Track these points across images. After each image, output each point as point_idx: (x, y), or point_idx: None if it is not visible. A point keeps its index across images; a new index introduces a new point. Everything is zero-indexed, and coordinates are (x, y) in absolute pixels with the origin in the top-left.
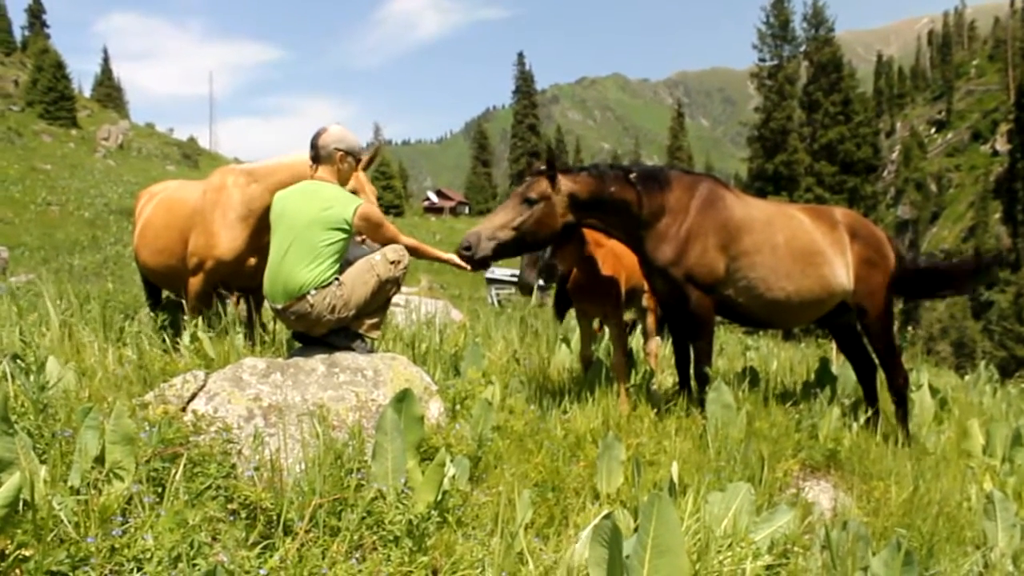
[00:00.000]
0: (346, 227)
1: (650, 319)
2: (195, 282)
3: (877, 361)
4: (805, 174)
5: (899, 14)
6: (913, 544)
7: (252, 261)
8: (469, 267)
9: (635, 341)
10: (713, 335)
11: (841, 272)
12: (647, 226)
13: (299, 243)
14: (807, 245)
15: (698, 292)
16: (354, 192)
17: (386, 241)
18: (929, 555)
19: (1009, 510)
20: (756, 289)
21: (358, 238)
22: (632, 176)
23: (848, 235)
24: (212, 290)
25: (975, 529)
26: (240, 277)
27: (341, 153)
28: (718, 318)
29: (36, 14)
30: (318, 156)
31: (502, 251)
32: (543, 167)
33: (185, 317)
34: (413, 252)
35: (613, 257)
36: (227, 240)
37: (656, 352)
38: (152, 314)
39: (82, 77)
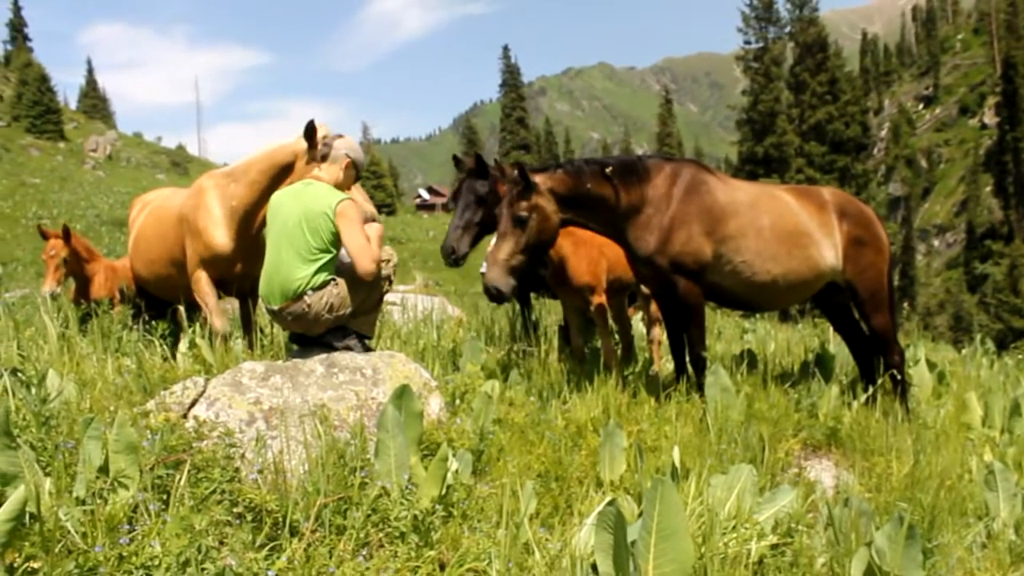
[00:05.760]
0: (332, 221)
1: (652, 306)
2: (199, 278)
3: (873, 339)
4: (795, 155)
5: None
6: (915, 518)
7: (240, 265)
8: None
9: (638, 328)
10: (704, 320)
11: (829, 253)
12: (627, 218)
13: (292, 243)
14: (793, 227)
15: (685, 280)
16: None
17: (359, 248)
18: (931, 528)
19: (1010, 480)
20: (742, 273)
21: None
22: (608, 170)
23: (836, 215)
24: (216, 285)
25: (976, 500)
26: (232, 277)
27: (349, 161)
28: (710, 303)
29: (18, 28)
30: (327, 156)
31: (522, 273)
32: (515, 173)
33: (185, 323)
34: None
35: (590, 247)
36: (217, 236)
37: (659, 339)
38: (151, 323)
39: (67, 89)
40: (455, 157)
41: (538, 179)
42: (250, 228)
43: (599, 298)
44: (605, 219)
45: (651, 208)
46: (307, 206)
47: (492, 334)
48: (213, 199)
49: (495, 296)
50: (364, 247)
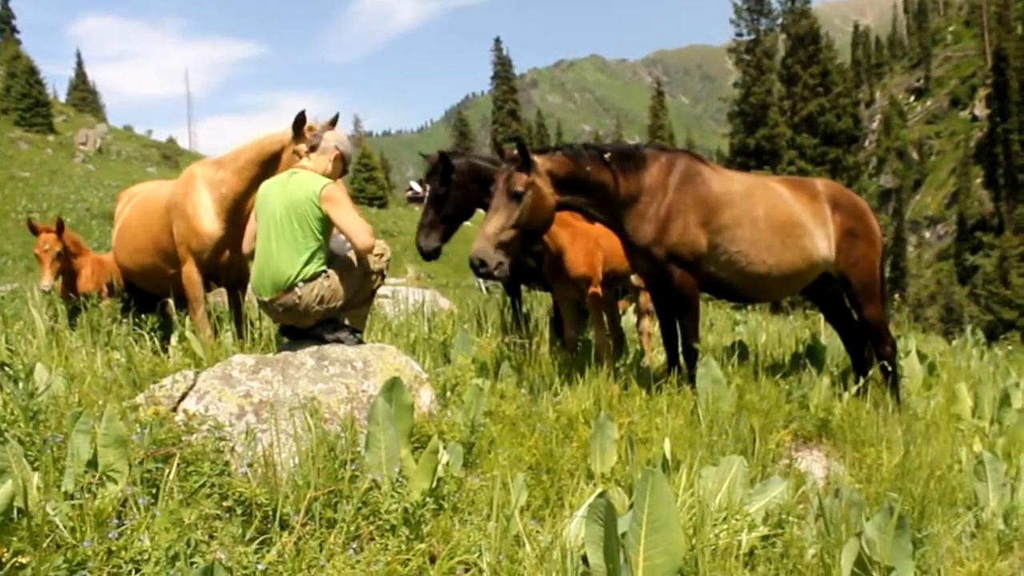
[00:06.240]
0: (319, 208)
1: (643, 298)
2: (189, 270)
3: (864, 330)
4: (787, 147)
5: None
6: (905, 508)
7: (228, 252)
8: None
9: (628, 320)
10: (698, 311)
11: (822, 243)
12: (625, 206)
13: (281, 234)
14: (787, 217)
15: (681, 270)
16: None
17: (354, 225)
18: (921, 517)
19: (999, 470)
20: (737, 264)
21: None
22: (607, 156)
23: (829, 206)
24: (205, 277)
25: (966, 490)
26: (221, 265)
27: (338, 153)
28: (703, 295)
29: (5, 20)
30: (316, 146)
31: (512, 252)
32: (514, 151)
33: (175, 316)
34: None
35: (586, 238)
36: (206, 222)
37: (649, 330)
38: (139, 316)
39: (56, 82)
40: (423, 156)
41: (537, 159)
42: (239, 216)
43: (595, 289)
44: (603, 205)
45: (647, 197)
46: (292, 195)
47: (483, 327)
48: (202, 186)
49: (478, 267)
50: (358, 223)
